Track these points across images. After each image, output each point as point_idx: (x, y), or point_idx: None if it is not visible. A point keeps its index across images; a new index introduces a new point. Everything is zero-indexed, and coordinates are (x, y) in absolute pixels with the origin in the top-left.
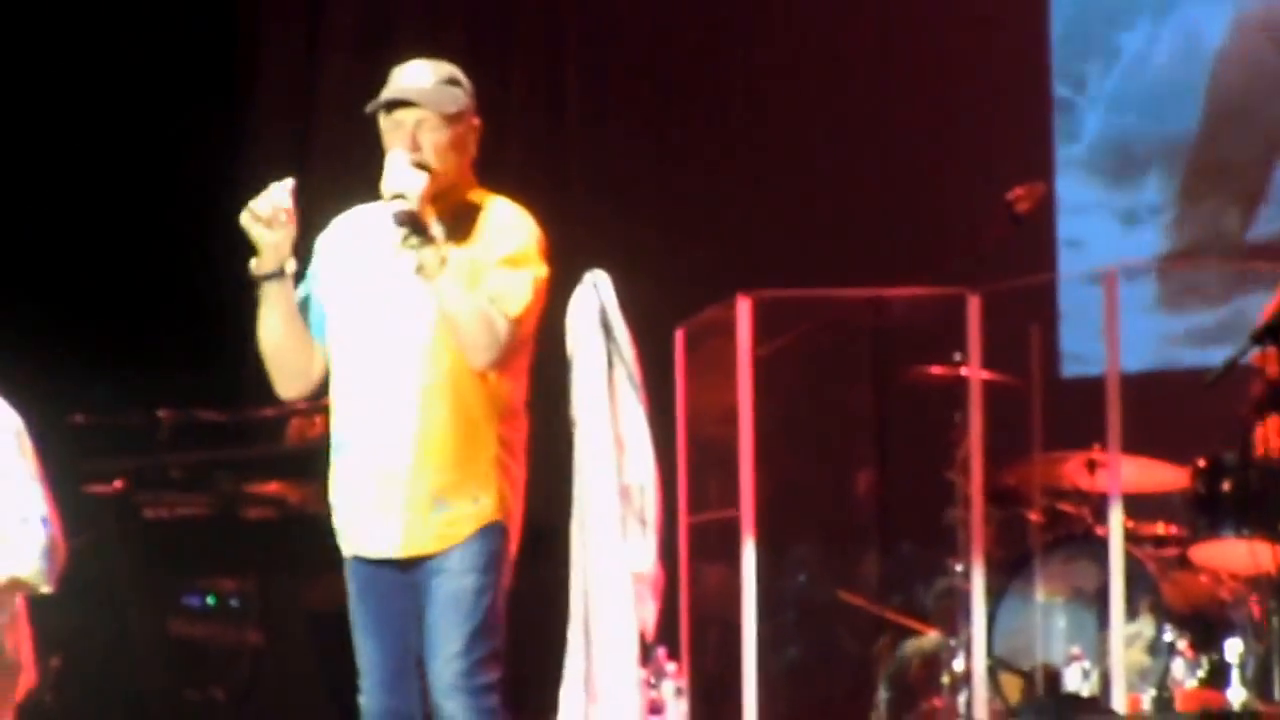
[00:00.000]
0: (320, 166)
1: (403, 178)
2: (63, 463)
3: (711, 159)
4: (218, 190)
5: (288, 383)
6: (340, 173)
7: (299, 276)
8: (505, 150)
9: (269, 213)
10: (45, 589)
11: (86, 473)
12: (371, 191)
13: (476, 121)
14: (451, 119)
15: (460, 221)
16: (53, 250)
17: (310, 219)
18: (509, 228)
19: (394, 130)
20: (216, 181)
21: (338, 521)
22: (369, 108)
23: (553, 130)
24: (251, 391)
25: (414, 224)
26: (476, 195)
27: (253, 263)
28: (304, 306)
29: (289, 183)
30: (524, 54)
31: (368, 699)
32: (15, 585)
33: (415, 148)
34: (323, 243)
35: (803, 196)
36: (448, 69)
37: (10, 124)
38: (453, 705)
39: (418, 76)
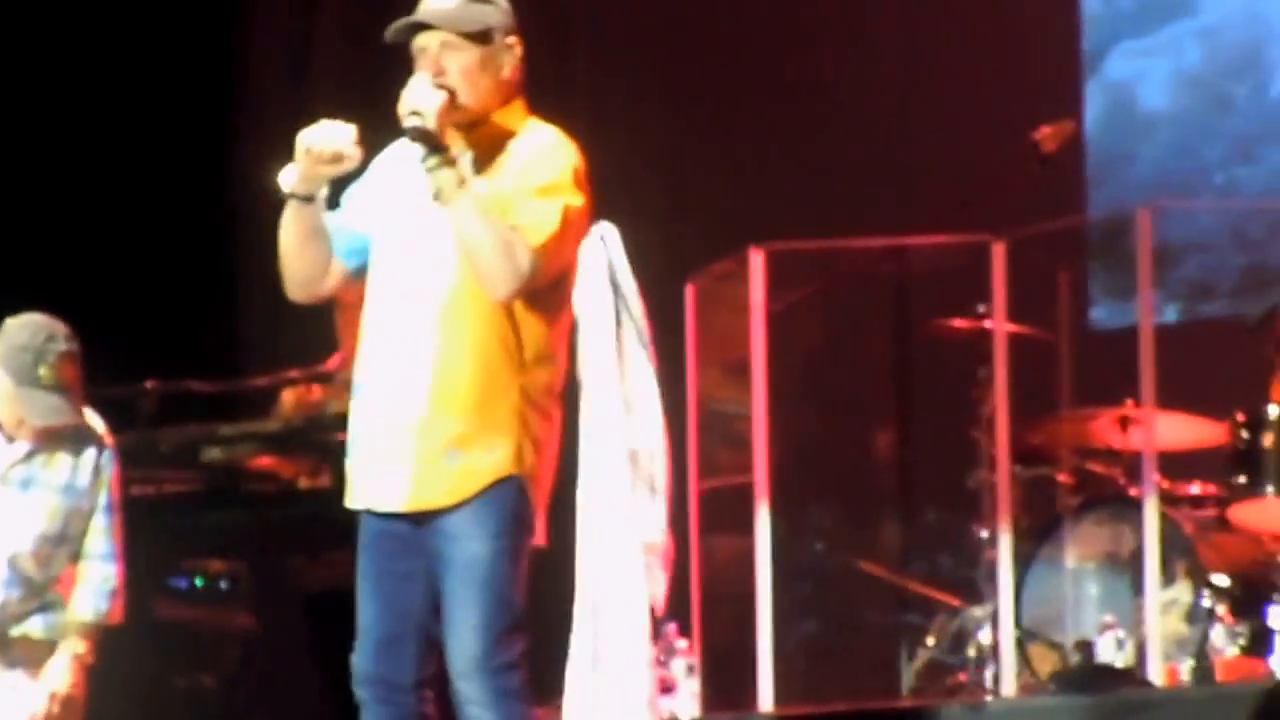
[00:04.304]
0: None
1: (419, 95)
2: None
3: (722, 104)
4: (207, 151)
5: (293, 289)
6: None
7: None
8: None
9: (329, 155)
10: (111, 623)
11: None
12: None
13: (512, 40)
14: (477, 38)
15: (494, 150)
16: (34, 218)
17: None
18: (541, 156)
19: (419, 56)
20: (206, 140)
21: (348, 469)
22: (388, 35)
23: (559, 79)
24: (244, 361)
25: (428, 140)
26: (515, 121)
27: (284, 176)
28: (338, 232)
29: (353, 130)
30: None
31: (359, 660)
32: (95, 627)
33: (440, 72)
34: (375, 166)
35: (817, 142)
36: None
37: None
38: (471, 688)
39: None
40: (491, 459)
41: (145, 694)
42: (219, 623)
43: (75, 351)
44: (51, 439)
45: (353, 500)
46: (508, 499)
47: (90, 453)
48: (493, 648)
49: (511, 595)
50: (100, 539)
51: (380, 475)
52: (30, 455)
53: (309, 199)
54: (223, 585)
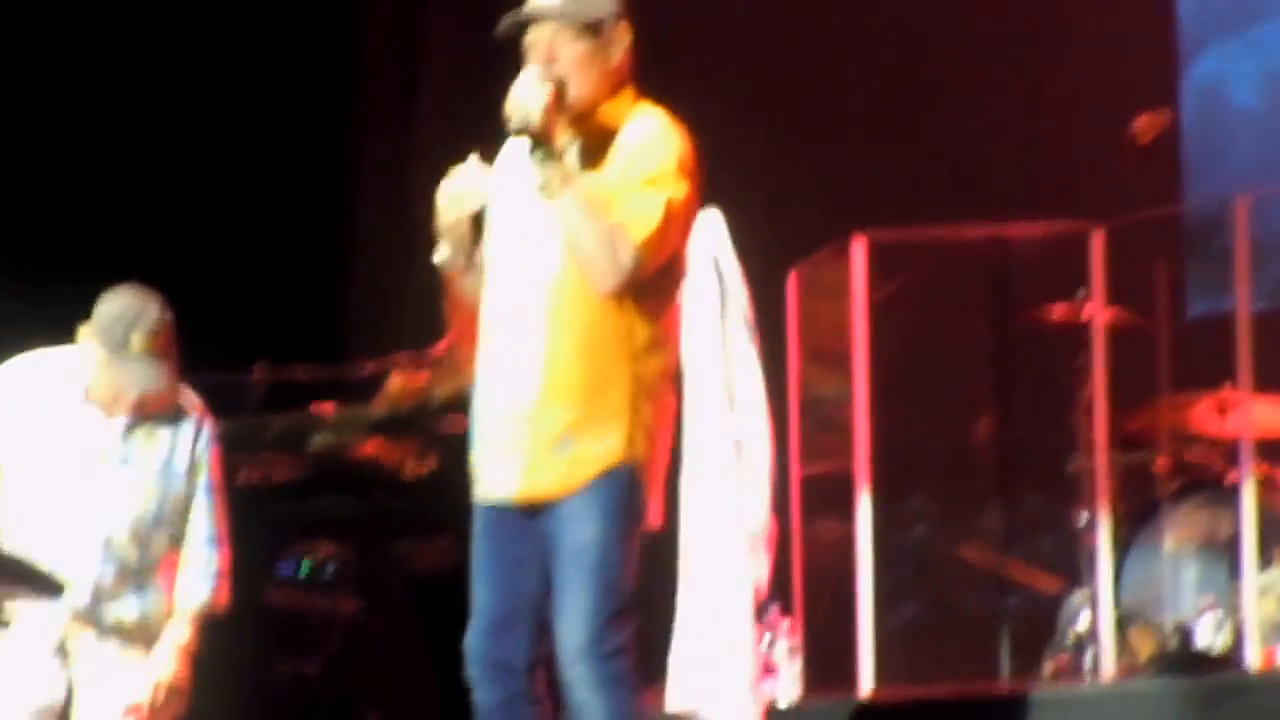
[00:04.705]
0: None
1: (525, 91)
2: None
3: (825, 93)
4: (319, 143)
5: None
6: (449, 128)
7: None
8: None
9: (469, 210)
10: (216, 608)
11: None
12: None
13: (623, 30)
14: (588, 29)
15: (603, 140)
16: (145, 206)
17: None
18: (646, 147)
19: (530, 50)
20: (317, 134)
21: (471, 461)
22: (499, 30)
23: (661, 68)
24: (351, 347)
25: (533, 136)
26: (625, 109)
27: (440, 255)
28: None
29: (464, 170)
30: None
31: (473, 641)
32: (200, 612)
33: (551, 62)
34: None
35: (918, 131)
36: None
37: (119, 82)
38: (579, 672)
39: None
40: (602, 447)
41: (251, 679)
42: (326, 608)
43: (168, 322)
44: (149, 417)
45: (475, 491)
46: (619, 486)
47: (188, 434)
48: (601, 633)
49: (621, 581)
50: (202, 522)
51: (495, 465)
52: (128, 432)
53: (469, 266)
54: (329, 570)
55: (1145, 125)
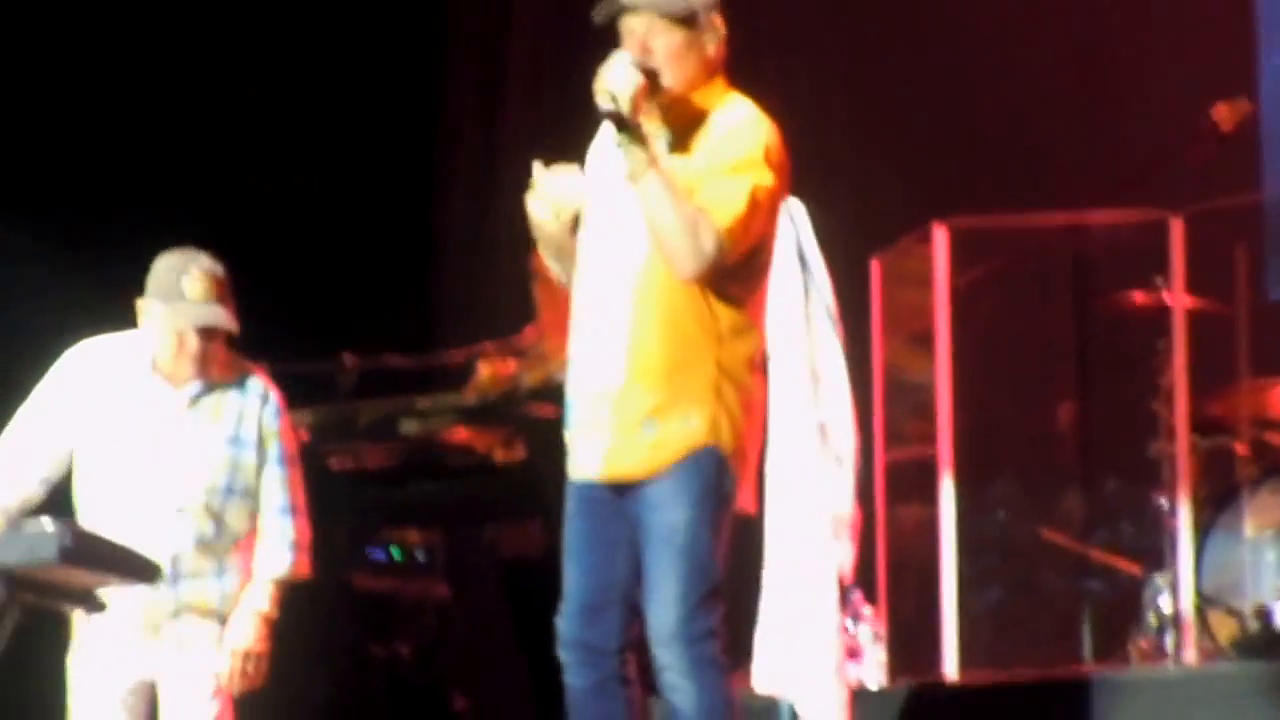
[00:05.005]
0: (516, 116)
1: (615, 76)
2: None
3: (906, 82)
4: (409, 135)
5: None
6: (536, 119)
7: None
8: None
9: (568, 215)
10: (297, 578)
11: None
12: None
13: (717, 21)
14: (683, 20)
15: (692, 127)
16: (238, 196)
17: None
18: (734, 134)
19: (626, 38)
20: (407, 125)
21: (565, 440)
22: (595, 17)
23: (744, 60)
24: (440, 336)
25: (620, 121)
26: (715, 98)
27: (545, 257)
28: None
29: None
30: None
31: (564, 624)
32: (279, 583)
33: (646, 52)
34: (589, 154)
35: (999, 120)
36: None
37: (214, 77)
38: (669, 655)
39: None
40: (686, 430)
41: (344, 663)
42: (416, 592)
43: (219, 273)
44: (215, 386)
45: (569, 469)
46: (705, 469)
47: (254, 405)
48: (690, 616)
49: (710, 564)
50: (276, 493)
51: (583, 445)
52: (195, 401)
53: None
54: (420, 556)
55: (1225, 114)
